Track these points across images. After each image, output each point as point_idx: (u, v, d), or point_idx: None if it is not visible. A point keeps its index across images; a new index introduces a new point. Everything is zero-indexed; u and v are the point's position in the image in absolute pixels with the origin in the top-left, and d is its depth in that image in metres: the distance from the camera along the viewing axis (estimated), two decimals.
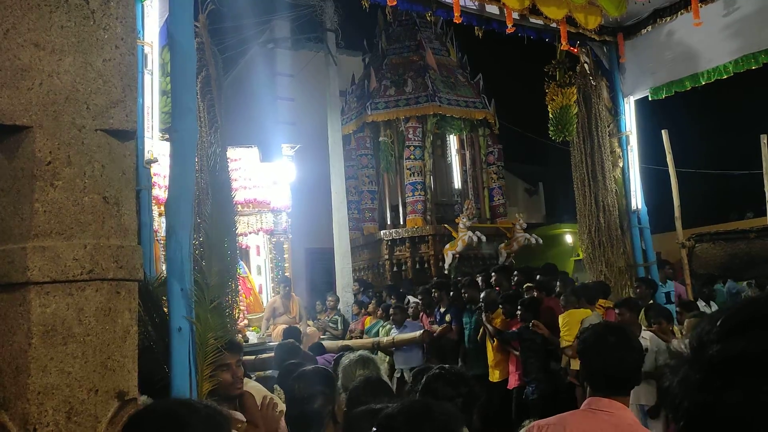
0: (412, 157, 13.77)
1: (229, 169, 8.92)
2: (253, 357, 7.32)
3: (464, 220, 12.47)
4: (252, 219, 10.14)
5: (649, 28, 8.22)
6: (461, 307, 8.37)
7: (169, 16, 3.25)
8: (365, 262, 13.99)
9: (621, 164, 8.58)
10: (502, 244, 13.27)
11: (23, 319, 2.47)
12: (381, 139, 14.30)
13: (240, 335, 8.25)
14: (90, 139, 2.68)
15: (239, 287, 9.06)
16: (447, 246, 12.82)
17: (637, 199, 8.52)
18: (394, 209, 14.26)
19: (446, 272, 12.56)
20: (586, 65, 8.60)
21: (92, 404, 2.53)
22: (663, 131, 8.27)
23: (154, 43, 5.53)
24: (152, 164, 5.46)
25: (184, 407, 1.52)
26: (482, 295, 7.72)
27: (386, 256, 13.62)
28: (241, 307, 9.07)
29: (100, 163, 2.69)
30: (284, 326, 8.42)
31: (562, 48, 8.06)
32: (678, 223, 8.06)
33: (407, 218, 13.70)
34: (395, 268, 13.55)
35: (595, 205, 8.26)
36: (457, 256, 12.59)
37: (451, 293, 9.14)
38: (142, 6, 5.50)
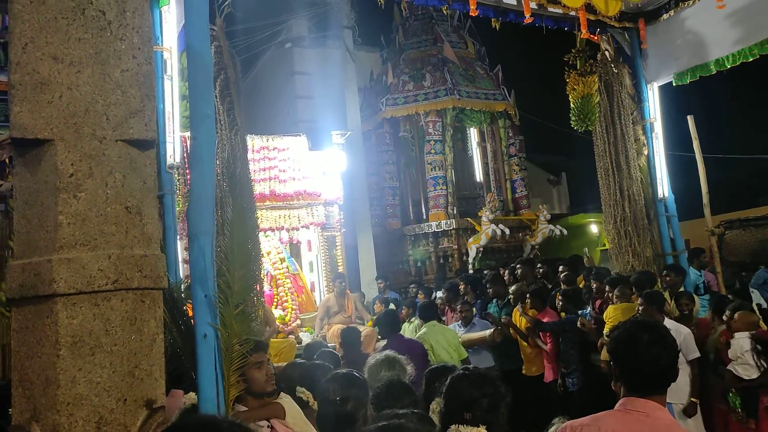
0: (432, 151, 13.72)
1: (272, 161, 8.92)
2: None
3: (487, 213, 12.40)
4: (302, 212, 9.63)
5: (671, 12, 8.05)
6: (487, 301, 8.32)
7: (185, 22, 3.25)
8: (388, 258, 13.99)
9: (646, 152, 8.43)
10: (527, 237, 13.16)
11: (51, 331, 2.50)
12: (401, 134, 14.26)
13: (292, 336, 8.13)
14: (110, 150, 2.69)
15: (291, 285, 8.98)
16: (470, 240, 12.76)
17: (664, 187, 8.37)
18: (416, 204, 14.22)
19: (470, 266, 12.50)
20: (607, 53, 8.45)
21: (121, 413, 2.55)
22: (689, 117, 8.10)
23: (173, 49, 5.56)
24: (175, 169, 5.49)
25: (225, 422, 1.50)
26: (512, 288, 7.64)
27: (409, 252, 13.60)
28: (293, 307, 8.84)
29: (122, 174, 2.71)
30: (340, 326, 8.09)
31: (582, 36, 7.93)
32: (706, 210, 7.90)
33: (430, 213, 13.66)
34: (418, 263, 13.52)
35: (620, 195, 8.13)
36: (481, 249, 12.52)
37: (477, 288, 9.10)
38: (161, 12, 5.53)
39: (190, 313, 3.22)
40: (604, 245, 11.06)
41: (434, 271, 13.09)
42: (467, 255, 12.84)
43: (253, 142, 9.08)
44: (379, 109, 14.15)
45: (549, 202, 15.87)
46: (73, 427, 2.45)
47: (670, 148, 8.85)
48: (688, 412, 5.21)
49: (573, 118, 8.13)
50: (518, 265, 9.23)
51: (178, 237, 5.58)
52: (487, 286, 8.50)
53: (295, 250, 10.26)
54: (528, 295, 7.38)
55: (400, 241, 13.70)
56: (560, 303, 6.94)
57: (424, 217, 13.92)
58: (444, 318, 8.74)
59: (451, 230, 13.20)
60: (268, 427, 3.18)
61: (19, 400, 2.54)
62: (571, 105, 8.16)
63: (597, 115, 8.12)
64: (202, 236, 2.93)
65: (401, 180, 14.30)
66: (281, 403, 3.24)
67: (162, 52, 5.43)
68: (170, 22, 5.54)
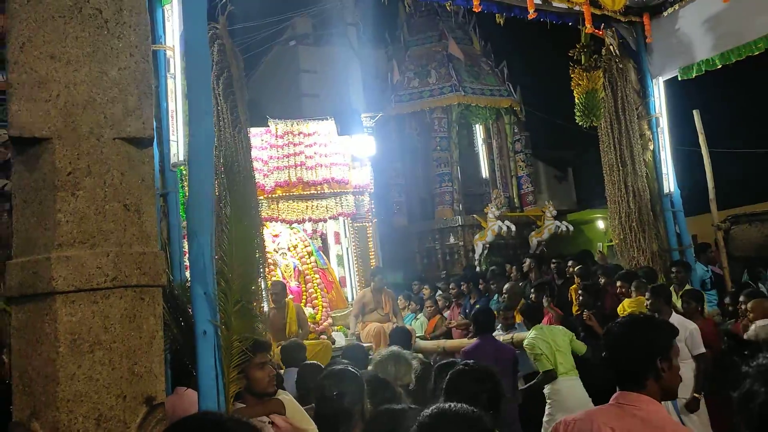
0: (438, 148, 13.69)
1: (297, 147, 8.71)
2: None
3: (493, 209, 12.37)
4: (330, 202, 9.09)
5: (676, 6, 7.99)
6: (489, 298, 8.32)
7: (183, 19, 3.26)
8: (394, 255, 13.97)
9: (651, 147, 8.38)
10: (533, 233, 13.13)
11: (50, 329, 2.51)
12: (406, 131, 14.24)
13: (324, 336, 7.87)
14: (108, 148, 2.70)
15: (320, 281, 8.81)
16: (477, 236, 12.73)
17: (670, 182, 8.32)
18: (423, 201, 14.19)
19: (476, 263, 12.47)
20: (611, 47, 8.40)
21: (121, 410, 2.55)
22: (694, 111, 8.05)
23: (176, 47, 5.55)
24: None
25: (230, 420, 1.49)
26: (505, 287, 7.60)
27: (415, 249, 13.58)
28: (324, 304, 8.50)
29: (120, 171, 2.71)
30: (376, 324, 7.91)
31: (586, 31, 7.89)
32: (713, 205, 7.86)
33: (436, 210, 13.63)
34: (425, 260, 13.50)
35: (625, 190, 8.09)
36: (487, 246, 12.49)
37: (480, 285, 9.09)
38: (163, 10, 5.53)
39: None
40: (611, 241, 11.01)
41: (441, 267, 13.07)
42: (473, 252, 12.81)
43: (277, 127, 8.83)
44: (385, 106, 14.13)
45: (555, 198, 15.79)
46: (72, 424, 2.46)
47: (676, 143, 8.79)
48: (690, 407, 5.20)
49: (578, 114, 8.09)
50: (527, 260, 9.21)
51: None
52: (491, 282, 8.49)
53: (322, 242, 9.94)
54: (531, 292, 7.36)
55: (407, 237, 13.66)
56: (580, 297, 6.90)
57: (431, 214, 13.89)
58: (447, 315, 8.74)
59: (457, 227, 13.17)
60: (269, 423, 3.19)
61: (19, 397, 2.55)
62: (576, 100, 8.12)
63: (602, 110, 8.08)
64: (201, 233, 2.93)
65: (407, 177, 14.27)
66: (281, 400, 3.25)
67: (165, 50, 5.43)
68: (173, 21, 5.53)
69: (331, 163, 9.08)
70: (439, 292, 10.09)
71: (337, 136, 9.22)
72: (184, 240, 5.12)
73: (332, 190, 9.06)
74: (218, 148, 5.31)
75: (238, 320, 3.01)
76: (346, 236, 9.64)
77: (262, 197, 8.39)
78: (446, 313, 8.86)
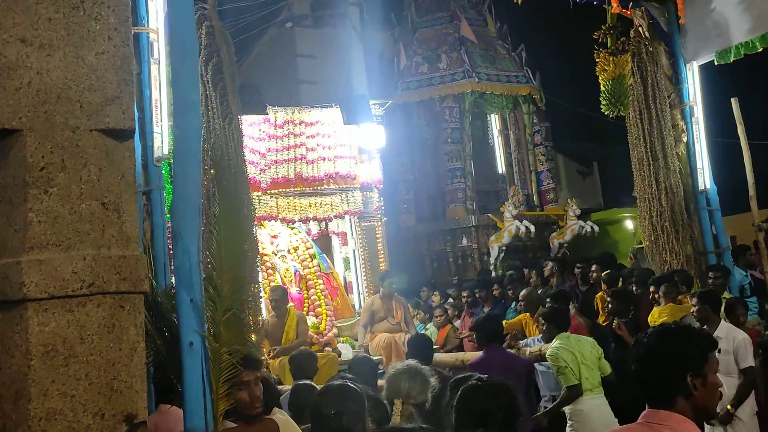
0: (449, 140, 13.68)
1: (298, 138, 8.66)
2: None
3: (510, 208, 12.35)
4: (335, 199, 9.00)
5: None
6: (506, 305, 8.31)
7: None
8: (403, 258, 13.97)
9: (685, 139, 8.35)
10: (554, 234, 13.10)
11: (21, 340, 2.51)
12: (414, 121, 14.23)
13: (329, 349, 7.85)
14: (85, 141, 2.70)
15: (323, 287, 8.77)
16: (492, 238, 12.72)
17: (705, 178, 8.29)
18: (432, 199, 14.18)
19: (492, 266, 12.45)
20: (641, 29, 8.37)
21: (98, 429, 2.56)
22: (732, 100, 7.99)
23: (160, 29, 5.56)
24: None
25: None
26: (522, 293, 7.59)
27: (424, 251, 13.57)
28: (328, 313, 8.48)
29: (97, 167, 2.71)
30: (385, 335, 7.87)
31: (612, 11, 7.86)
32: (753, 203, 7.80)
33: (447, 208, 13.62)
34: (435, 264, 13.49)
35: (656, 187, 8.06)
36: (504, 248, 12.48)
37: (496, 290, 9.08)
38: None
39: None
40: (640, 243, 10.98)
41: (453, 272, 13.06)
42: (488, 255, 12.79)
43: (276, 115, 8.83)
44: (391, 93, 14.11)
45: (579, 195, 15.75)
46: None
47: (712, 134, 8.76)
48: (722, 419, 5.19)
49: (604, 103, 8.05)
50: (549, 264, 9.19)
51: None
52: (507, 288, 8.48)
53: (325, 244, 9.89)
54: (549, 299, 7.34)
55: (415, 239, 13.64)
56: (609, 305, 6.88)
57: (441, 213, 13.87)
58: (458, 325, 8.74)
59: (470, 227, 13.16)
60: None
61: None
62: (602, 88, 8.09)
63: (630, 98, 8.05)
64: (188, 235, 2.94)
65: (415, 172, 14.26)
66: (275, 419, 3.25)
67: (148, 33, 5.44)
68: (157, 1, 5.55)
69: (335, 156, 9.05)
70: (450, 299, 10.06)
71: (343, 126, 9.17)
72: (169, 242, 5.13)
73: (337, 185, 9.06)
74: (207, 140, 5.32)
75: (227, 330, 3.02)
76: (352, 237, 9.57)
77: (259, 194, 8.38)
78: (458, 323, 8.86)
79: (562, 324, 5.80)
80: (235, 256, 3.24)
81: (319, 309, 8.51)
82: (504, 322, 7.54)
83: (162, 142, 5.48)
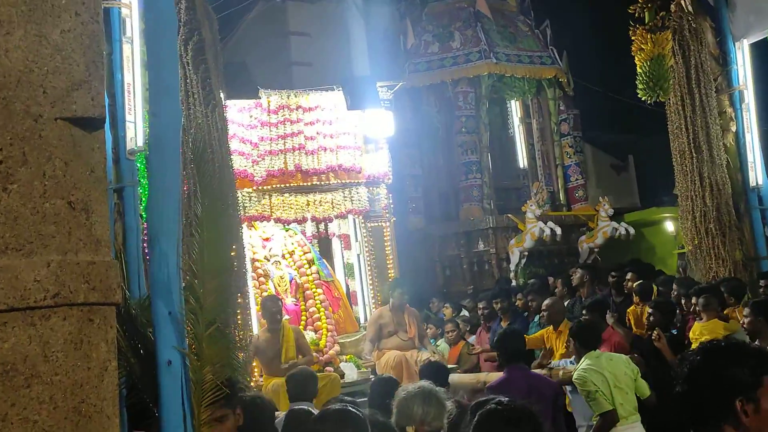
0: (464, 130, 13.69)
1: (295, 126, 8.62)
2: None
3: (533, 207, 12.35)
4: (337, 196, 8.97)
5: None
6: (529, 319, 8.31)
7: None
8: (410, 264, 13.97)
9: (733, 128, 8.35)
10: (583, 237, 13.09)
11: None
12: (424, 108, 14.23)
13: (331, 368, 7.83)
14: (49, 131, 2.70)
15: (323, 297, 8.72)
16: (512, 241, 12.71)
17: (757, 173, 8.29)
18: (444, 197, 14.19)
19: (512, 274, 12.45)
20: (683, 2, 8.37)
21: None
22: None
23: (133, 4, 5.59)
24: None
25: None
26: (546, 303, 7.57)
27: (435, 257, 13.57)
28: (328, 327, 8.50)
29: (63, 160, 2.71)
30: (395, 353, 7.85)
31: None
32: None
33: (460, 208, 13.63)
34: (447, 271, 13.49)
35: (700, 183, 8.07)
36: (526, 254, 12.47)
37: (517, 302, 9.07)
38: None
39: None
40: (682, 247, 10.96)
41: (468, 280, 13.06)
42: (508, 261, 12.79)
43: (269, 99, 8.85)
44: (396, 77, 14.11)
45: (611, 193, 15.70)
46: None
47: (765, 123, 8.74)
48: None
49: (641, 86, 8.07)
50: (576, 272, 9.18)
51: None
52: (529, 298, 8.48)
53: (325, 247, 9.92)
54: (585, 311, 7.33)
55: (425, 242, 13.64)
56: (650, 318, 6.88)
57: (454, 213, 13.87)
58: (473, 342, 8.73)
59: (487, 229, 13.15)
60: None
61: None
62: (638, 69, 8.10)
63: (671, 81, 8.06)
64: (165, 238, 2.94)
65: (424, 166, 14.26)
66: None
67: (119, 8, 5.46)
68: None
69: (338, 146, 9.07)
70: (465, 311, 10.05)
71: (346, 112, 9.19)
72: (144, 246, 5.15)
73: (340, 180, 9.07)
74: (187, 130, 5.33)
75: (211, 347, 3.03)
76: (357, 240, 9.59)
77: (250, 190, 8.38)
78: (472, 339, 8.86)
79: (592, 341, 5.74)
80: (220, 262, 3.25)
81: (319, 323, 8.52)
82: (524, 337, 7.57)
83: (136, 132, 5.51)
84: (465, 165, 13.63)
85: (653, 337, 6.44)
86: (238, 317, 6.15)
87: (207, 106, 5.88)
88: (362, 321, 9.29)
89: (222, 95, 5.88)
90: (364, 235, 9.46)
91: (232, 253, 3.72)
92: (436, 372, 5.31)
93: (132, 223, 5.21)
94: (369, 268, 9.42)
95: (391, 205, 9.82)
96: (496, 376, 6.71)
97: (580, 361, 5.63)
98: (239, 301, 4.98)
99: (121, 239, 5.00)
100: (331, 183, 9.02)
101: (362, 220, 9.44)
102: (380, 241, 9.57)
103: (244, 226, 8.30)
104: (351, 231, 9.66)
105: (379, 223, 9.61)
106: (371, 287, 9.38)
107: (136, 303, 3.52)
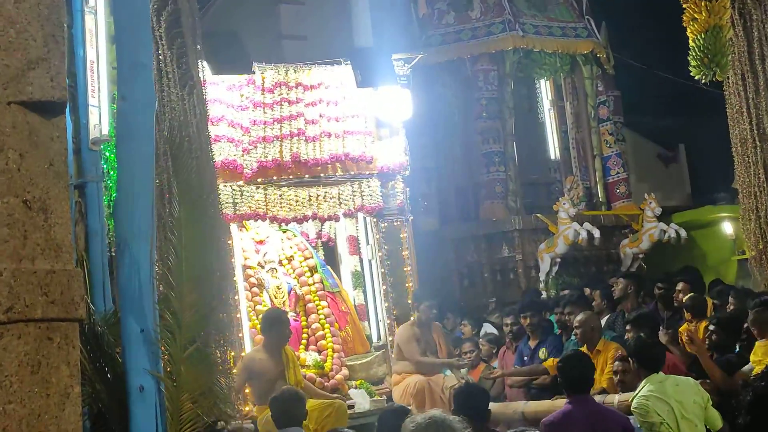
0: (484, 115, 13.68)
1: (294, 107, 8.52)
2: None
3: (566, 206, 12.33)
4: (345, 191, 8.93)
5: None
6: (564, 337, 8.30)
7: None
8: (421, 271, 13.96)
9: None
10: (626, 241, 13.07)
11: None
12: (437, 90, 14.23)
13: (337, 395, 7.82)
14: (1, 117, 2.72)
15: (329, 311, 8.55)
16: (542, 246, 12.71)
17: None
18: (462, 194, 14.18)
19: (542, 284, 12.44)
20: None
21: None
22: None
23: None
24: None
25: None
26: (578, 318, 7.55)
27: (451, 264, 13.56)
28: (334, 347, 8.49)
29: (17, 152, 2.73)
30: (416, 377, 7.86)
31: None
32: None
33: (481, 206, 13.62)
34: (465, 281, 13.47)
35: (764, 176, 8.04)
36: (558, 260, 12.46)
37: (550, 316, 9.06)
38: None
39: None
40: (743, 252, 10.92)
41: (489, 292, 13.05)
42: (537, 269, 12.78)
43: (264, 75, 8.77)
44: (406, 53, 14.11)
45: (659, 188, 15.67)
46: None
47: None
48: None
49: (694, 63, 8.04)
50: (618, 282, 9.16)
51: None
52: (567, 311, 8.47)
53: (330, 252, 9.85)
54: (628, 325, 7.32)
55: (439, 246, 13.62)
56: (713, 336, 6.85)
57: (473, 212, 13.87)
58: (495, 363, 8.72)
59: (512, 231, 13.14)
60: None
61: None
62: (691, 43, 8.07)
63: (729, 57, 8.03)
64: (135, 242, 2.95)
65: (439, 158, 14.26)
66: None
67: None
68: None
69: (345, 131, 9.01)
70: (488, 328, 10.05)
71: (355, 90, 9.13)
72: (111, 252, 5.16)
73: (348, 172, 9.04)
74: (160, 116, 5.34)
75: (190, 371, 3.03)
76: (368, 243, 9.54)
77: (240, 183, 8.33)
78: (496, 363, 8.85)
79: (654, 361, 5.64)
80: (201, 270, 3.25)
81: (323, 342, 8.47)
82: (551, 361, 7.55)
83: (100, 118, 5.52)
84: (486, 156, 13.61)
85: (684, 340, 6.42)
86: (224, 335, 6.13)
87: (184, 88, 5.85)
88: (374, 339, 9.25)
89: (202, 73, 5.85)
90: (377, 237, 9.36)
91: (216, 259, 3.71)
92: (474, 398, 5.12)
93: (96, 225, 5.22)
94: (382, 276, 9.32)
95: (409, 202, 9.75)
96: (537, 408, 6.70)
97: (640, 386, 5.53)
98: (222, 316, 4.97)
99: (84, 244, 5.01)
100: (338, 175, 8.97)
101: (374, 220, 9.34)
102: (396, 245, 9.46)
103: (234, 226, 8.26)
104: (361, 232, 9.60)
105: (395, 223, 9.51)
106: (385, 299, 9.28)
107: (103, 319, 3.53)
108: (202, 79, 6.09)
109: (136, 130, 3.08)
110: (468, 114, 14.02)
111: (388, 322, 9.16)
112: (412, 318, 8.60)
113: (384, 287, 9.32)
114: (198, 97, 6.00)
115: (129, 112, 3.11)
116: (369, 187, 9.13)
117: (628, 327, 7.32)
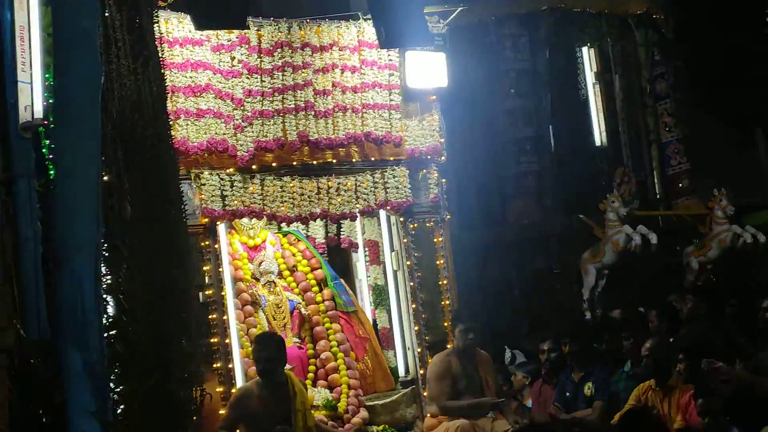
0: (513, 91, 13.72)
1: (299, 74, 8.33)
2: None
3: (615, 204, 12.32)
4: (364, 182, 8.78)
5: None
6: (611, 367, 8.31)
7: None
8: None
9: None
10: (691, 248, 13.07)
11: None
12: (459, 60, 14.23)
13: None
14: None
15: (341, 336, 8.34)
16: (585, 255, 12.70)
17: None
18: (484, 190, 14.16)
19: (585, 302, 12.45)
20: None
21: None
22: None
23: None
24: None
25: None
26: (648, 345, 7.57)
27: (472, 278, 13.57)
28: (351, 383, 8.33)
29: None
30: (460, 422, 7.65)
31: None
32: None
33: (508, 206, 13.64)
34: (489, 299, 13.46)
35: None
36: (606, 272, 12.45)
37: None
38: None
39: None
40: None
41: (522, 311, 13.08)
42: (580, 283, 12.78)
43: (260, 33, 8.50)
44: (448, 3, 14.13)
45: (732, 182, 15.69)
46: None
47: None
48: None
49: None
50: (687, 300, 9.17)
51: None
52: (624, 337, 8.50)
53: (342, 261, 9.79)
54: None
55: (455, 256, 13.62)
56: None
57: (500, 211, 13.88)
58: (527, 400, 8.73)
59: (549, 237, 13.15)
60: None
61: None
62: None
63: None
64: (78, 252, 2.95)
65: (455, 144, 14.20)
66: None
67: None
68: None
69: (364, 105, 8.84)
70: (517, 356, 10.08)
71: (378, 53, 8.97)
72: (47, 265, 5.15)
73: (367, 157, 8.83)
74: (108, 95, 5.34)
75: (147, 413, 3.03)
76: (393, 249, 9.22)
77: (230, 171, 8.13)
78: (529, 402, 8.86)
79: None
80: (160, 286, 3.25)
81: (336, 375, 8.30)
82: (599, 404, 7.60)
83: (33, 98, 5.52)
84: (515, 143, 13.65)
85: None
86: (190, 367, 6.08)
87: (137, 59, 5.86)
88: (401, 372, 9.02)
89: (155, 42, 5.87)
90: (405, 241, 9.12)
91: (181, 271, 3.68)
92: None
93: (28, 231, 5.20)
94: (412, 291, 9.12)
95: (445, 197, 9.54)
96: None
97: None
98: (186, 344, 4.93)
99: (12, 254, 5.01)
100: (355, 162, 8.76)
101: (401, 219, 9.12)
102: (429, 251, 9.33)
103: (222, 227, 8.12)
104: (384, 235, 9.26)
105: (427, 224, 9.34)
106: (415, 322, 9.07)
107: (36, 348, 3.52)
108: (160, 48, 6.11)
109: (77, 112, 3.08)
110: (492, 90, 14.02)
111: (419, 350, 8.95)
112: (449, 346, 8.41)
113: (414, 306, 9.08)
114: (155, 71, 6.01)
115: (68, 90, 3.10)
116: (395, 177, 8.91)
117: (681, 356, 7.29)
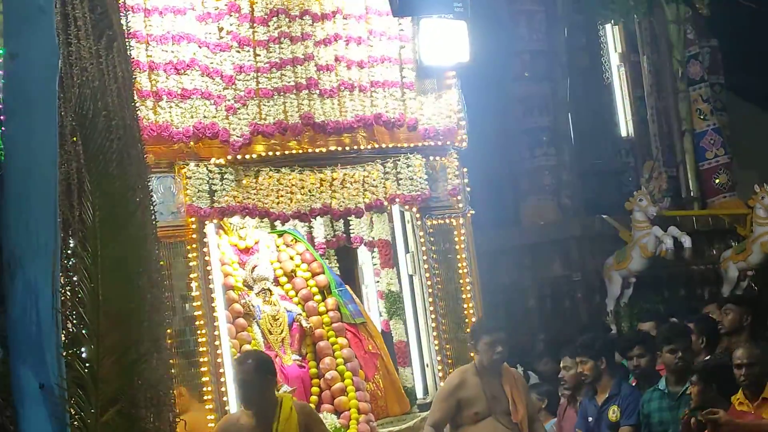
0: (527, 75, 13.78)
1: (300, 46, 8.18)
2: None
3: (644, 203, 12.35)
4: (373, 172, 8.66)
5: None
6: (641, 387, 8.31)
7: None
8: None
9: None
10: (729, 252, 13.09)
11: None
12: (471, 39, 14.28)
13: None
14: None
15: (348, 352, 8.29)
16: (610, 260, 12.73)
17: None
18: (495, 187, 14.21)
19: (610, 314, 12.47)
20: None
21: None
22: None
23: None
24: None
25: None
26: (750, 352, 7.54)
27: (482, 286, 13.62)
28: (360, 406, 8.24)
29: None
30: None
31: None
32: None
33: (522, 205, 13.68)
34: (500, 310, 13.49)
35: None
36: (633, 279, 12.48)
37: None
38: None
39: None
40: None
41: (539, 325, 13.10)
42: (603, 292, 12.80)
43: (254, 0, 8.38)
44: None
45: None
46: None
47: None
48: None
49: None
50: (727, 311, 9.19)
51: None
52: (665, 349, 8.52)
53: (348, 265, 9.85)
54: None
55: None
56: None
57: (513, 212, 13.92)
58: (555, 420, 8.75)
59: (569, 239, 13.18)
60: None
61: None
62: None
63: None
64: (32, 261, 2.94)
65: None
66: None
67: None
68: None
69: (372, 83, 8.75)
70: (530, 376, 10.11)
71: (388, 23, 8.86)
72: None
73: (377, 144, 8.73)
74: (67, 81, 5.33)
75: None
76: (408, 250, 9.08)
77: (220, 160, 8.04)
78: (549, 424, 8.87)
79: None
80: (125, 299, 3.25)
81: (343, 397, 8.26)
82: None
83: None
84: (529, 133, 13.72)
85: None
86: (159, 391, 6.06)
87: (99, 40, 5.86)
88: (419, 394, 8.93)
89: (123, 22, 5.87)
90: (422, 241, 8.95)
91: (146, 285, 3.69)
92: None
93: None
94: (431, 298, 8.96)
95: (468, 189, 9.38)
96: None
97: None
98: (156, 364, 4.93)
99: None
100: (363, 149, 8.64)
101: (417, 215, 8.96)
102: (449, 251, 9.17)
103: (211, 227, 8.03)
104: (398, 234, 9.14)
105: (447, 220, 9.17)
106: (434, 333, 8.93)
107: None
108: (125, 27, 6.10)
109: (31, 100, 3.07)
110: (504, 73, 14.05)
111: (440, 368, 8.79)
112: (473, 361, 8.21)
113: (433, 315, 8.91)
114: (120, 53, 5.99)
115: (21, 75, 3.10)
116: (408, 166, 8.75)
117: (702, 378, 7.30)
